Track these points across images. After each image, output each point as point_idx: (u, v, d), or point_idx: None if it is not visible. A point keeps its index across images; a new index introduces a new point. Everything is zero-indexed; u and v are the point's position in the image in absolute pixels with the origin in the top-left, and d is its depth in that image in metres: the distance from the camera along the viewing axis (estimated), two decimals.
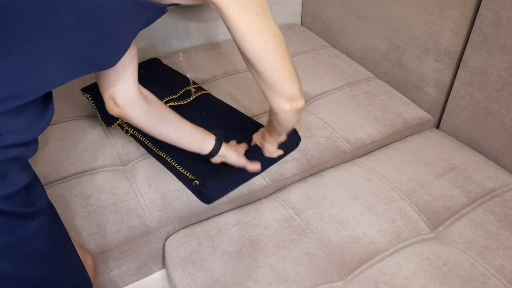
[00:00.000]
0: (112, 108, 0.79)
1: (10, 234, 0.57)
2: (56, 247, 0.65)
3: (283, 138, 1.00)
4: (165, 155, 1.01)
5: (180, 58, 1.43)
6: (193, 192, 0.98)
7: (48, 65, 0.56)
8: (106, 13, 0.58)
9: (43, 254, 0.62)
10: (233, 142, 1.02)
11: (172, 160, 1.00)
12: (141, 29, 0.67)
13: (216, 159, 0.95)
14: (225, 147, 0.94)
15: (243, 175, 1.00)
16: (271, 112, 0.86)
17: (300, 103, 0.79)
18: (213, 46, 1.51)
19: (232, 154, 0.96)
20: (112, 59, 0.66)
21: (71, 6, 0.54)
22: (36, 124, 0.60)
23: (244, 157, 0.98)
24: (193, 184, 0.96)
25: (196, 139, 0.91)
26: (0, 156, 0.55)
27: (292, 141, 1.07)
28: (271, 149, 1.01)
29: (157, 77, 1.26)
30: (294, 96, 0.77)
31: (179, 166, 0.99)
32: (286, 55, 0.72)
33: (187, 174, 0.98)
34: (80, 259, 0.73)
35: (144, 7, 0.62)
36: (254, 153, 1.02)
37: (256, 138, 1.05)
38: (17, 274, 0.59)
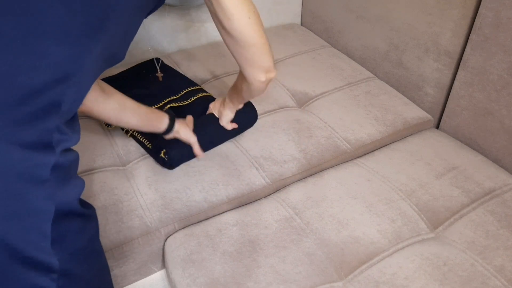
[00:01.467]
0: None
1: (85, 236, 0.59)
2: (103, 252, 0.68)
3: (241, 106, 1.06)
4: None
5: (150, 49, 1.44)
6: (159, 161, 1.04)
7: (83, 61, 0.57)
8: (131, 7, 0.60)
9: (99, 257, 0.65)
10: (181, 119, 1.05)
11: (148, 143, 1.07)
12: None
13: (169, 136, 1.00)
14: (178, 123, 0.99)
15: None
16: (241, 81, 0.92)
17: (273, 73, 0.86)
18: (213, 46, 1.51)
19: (184, 130, 1.00)
20: (124, 52, 0.68)
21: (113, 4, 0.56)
22: (77, 124, 0.62)
23: (194, 135, 1.02)
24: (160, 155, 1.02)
25: (153, 121, 0.95)
26: (70, 158, 0.57)
27: (250, 117, 1.13)
28: (229, 116, 1.06)
29: (157, 77, 1.26)
30: (269, 68, 0.84)
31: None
32: (262, 29, 0.79)
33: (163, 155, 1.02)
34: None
35: None
36: (207, 126, 1.08)
37: (214, 107, 1.10)
38: (88, 278, 0.60)
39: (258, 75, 0.84)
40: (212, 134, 1.08)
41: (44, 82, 0.50)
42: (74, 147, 0.60)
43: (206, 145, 1.06)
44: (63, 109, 0.53)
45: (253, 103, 1.14)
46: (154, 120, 0.95)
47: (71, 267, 0.56)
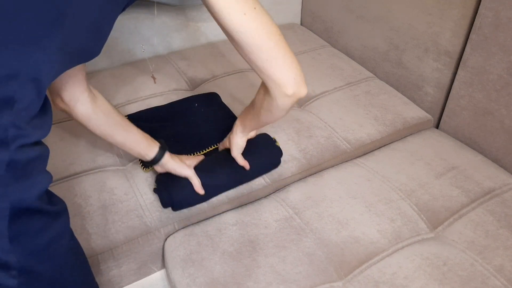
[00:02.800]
0: (58, 103, 0.77)
1: (48, 233, 0.57)
2: (77, 248, 0.66)
3: (253, 133, 0.96)
4: None
5: (143, 50, 1.43)
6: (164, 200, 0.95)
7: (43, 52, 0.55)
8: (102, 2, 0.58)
9: (68, 254, 0.63)
10: (184, 156, 0.99)
11: None
12: (120, 13, 0.66)
13: (158, 168, 0.95)
14: (169, 156, 0.93)
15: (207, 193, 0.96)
16: (263, 95, 0.77)
17: (303, 89, 0.71)
18: (213, 46, 1.51)
19: (174, 164, 0.93)
20: (99, 47, 0.64)
21: None
22: (46, 121, 0.60)
23: (192, 170, 0.94)
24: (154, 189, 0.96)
25: (141, 145, 0.90)
26: (29, 155, 0.54)
27: (274, 159, 1.04)
28: (239, 145, 0.93)
29: (209, 115, 1.15)
30: (295, 80, 0.69)
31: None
32: (273, 31, 0.67)
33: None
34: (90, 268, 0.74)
35: None
36: (217, 165, 0.98)
37: (225, 142, 1.00)
38: (53, 275, 0.59)
39: (281, 89, 0.70)
40: (220, 175, 0.97)
41: None
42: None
43: (213, 188, 0.97)
44: (18, 106, 0.51)
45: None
46: (144, 144, 0.90)
47: (33, 265, 0.55)
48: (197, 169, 0.95)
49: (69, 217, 0.64)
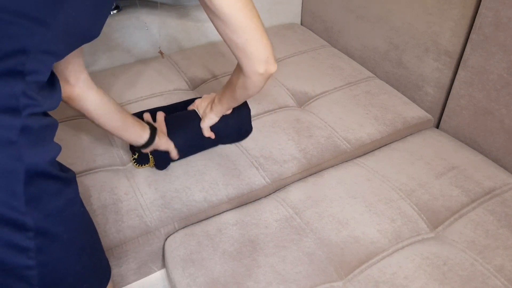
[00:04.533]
0: (65, 89, 0.79)
1: (61, 198, 0.60)
2: (87, 215, 0.69)
3: (229, 111, 1.02)
4: None
5: (146, 28, 1.42)
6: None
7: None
8: None
9: (81, 220, 0.66)
10: (158, 122, 1.03)
11: None
12: None
13: (147, 150, 0.98)
14: (159, 136, 0.96)
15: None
16: (237, 75, 0.85)
17: (273, 66, 0.79)
18: (213, 46, 1.51)
19: (163, 141, 0.97)
20: (98, 29, 0.68)
21: None
22: (55, 93, 0.64)
23: (171, 141, 0.99)
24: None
25: (137, 129, 0.93)
26: (41, 122, 0.58)
27: (243, 131, 1.10)
28: (213, 120, 1.02)
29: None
30: (268, 59, 0.78)
31: None
32: (255, 14, 0.74)
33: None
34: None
35: None
36: (187, 128, 1.04)
37: (200, 105, 1.06)
38: (67, 238, 0.61)
39: (255, 67, 0.78)
40: (192, 138, 1.04)
41: (5, 51, 0.53)
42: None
43: (185, 151, 1.04)
44: (27, 79, 0.55)
45: (250, 110, 1.10)
46: (139, 128, 0.93)
47: (48, 227, 0.58)
48: (170, 130, 1.01)
49: (77, 186, 0.66)
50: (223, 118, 1.04)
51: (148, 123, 0.96)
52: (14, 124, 0.54)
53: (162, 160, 1.01)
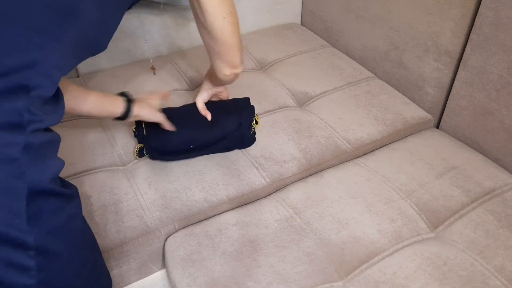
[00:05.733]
0: None
1: (63, 215, 0.59)
2: (89, 230, 0.69)
3: (219, 89, 1.06)
4: None
5: (145, 41, 1.43)
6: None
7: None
8: None
9: (81, 235, 0.65)
10: (141, 99, 0.99)
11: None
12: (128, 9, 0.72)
13: (131, 120, 0.96)
14: (138, 105, 0.93)
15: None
16: (212, 68, 0.97)
17: (238, 69, 0.92)
18: None
19: (147, 111, 0.95)
20: (106, 42, 0.68)
21: None
22: (58, 109, 0.64)
23: (161, 113, 0.97)
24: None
25: (106, 106, 0.90)
26: (43, 138, 0.57)
27: (246, 140, 1.09)
28: (204, 96, 1.05)
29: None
30: (236, 64, 0.90)
31: None
32: (236, 29, 0.85)
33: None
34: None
35: None
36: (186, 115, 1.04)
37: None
38: (68, 255, 0.61)
39: (223, 69, 0.90)
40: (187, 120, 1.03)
41: (11, 66, 0.52)
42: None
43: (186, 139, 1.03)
44: (32, 93, 0.54)
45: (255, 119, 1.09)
46: (108, 104, 0.90)
47: (49, 245, 0.57)
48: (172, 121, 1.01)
49: (80, 201, 0.66)
50: (227, 125, 1.05)
51: (124, 95, 0.94)
52: (17, 141, 0.53)
53: (154, 150, 1.02)
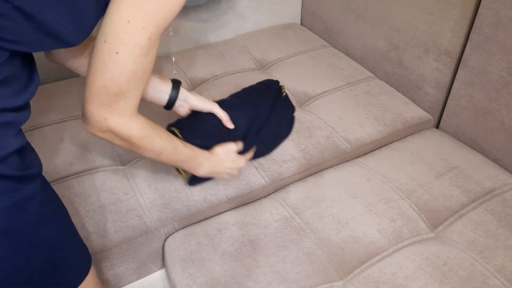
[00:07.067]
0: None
1: (9, 197, 0.57)
2: (49, 214, 0.65)
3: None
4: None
5: (173, 60, 1.43)
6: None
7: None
8: None
9: (37, 219, 0.62)
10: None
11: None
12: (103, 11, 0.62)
13: (180, 110, 0.92)
14: (186, 90, 0.90)
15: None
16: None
17: (84, 125, 0.70)
18: (213, 46, 1.51)
19: (196, 99, 0.91)
20: (75, 35, 0.61)
21: None
22: (23, 92, 0.59)
23: (214, 103, 0.92)
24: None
25: (154, 84, 0.87)
26: None
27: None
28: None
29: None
30: (84, 113, 0.67)
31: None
32: (113, 68, 0.62)
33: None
34: (79, 236, 0.74)
35: None
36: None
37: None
38: (16, 236, 0.59)
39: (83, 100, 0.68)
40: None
41: None
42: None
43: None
44: None
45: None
46: (156, 83, 0.87)
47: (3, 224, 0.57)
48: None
49: (43, 183, 0.63)
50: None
51: (172, 80, 0.90)
52: None
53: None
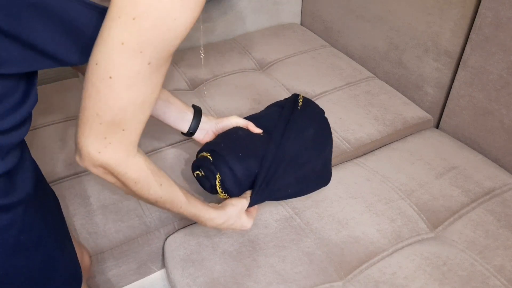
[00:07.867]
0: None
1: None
2: (32, 240, 0.60)
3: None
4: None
5: (202, 55, 1.42)
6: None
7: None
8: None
9: (16, 247, 0.58)
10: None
11: None
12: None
13: (200, 137, 0.92)
14: (206, 117, 0.91)
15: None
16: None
17: (76, 156, 0.59)
18: (213, 46, 1.51)
19: (214, 121, 0.91)
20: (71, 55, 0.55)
21: None
22: (15, 112, 0.54)
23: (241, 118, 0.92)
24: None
25: (174, 112, 0.87)
26: None
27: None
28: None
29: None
30: (75, 143, 0.58)
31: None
32: (143, 109, 0.57)
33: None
34: (73, 254, 0.69)
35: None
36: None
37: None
38: None
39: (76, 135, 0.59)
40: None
41: None
42: None
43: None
44: None
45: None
46: (175, 111, 0.87)
47: None
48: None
49: (29, 211, 0.59)
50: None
51: (194, 106, 0.90)
52: None
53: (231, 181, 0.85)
